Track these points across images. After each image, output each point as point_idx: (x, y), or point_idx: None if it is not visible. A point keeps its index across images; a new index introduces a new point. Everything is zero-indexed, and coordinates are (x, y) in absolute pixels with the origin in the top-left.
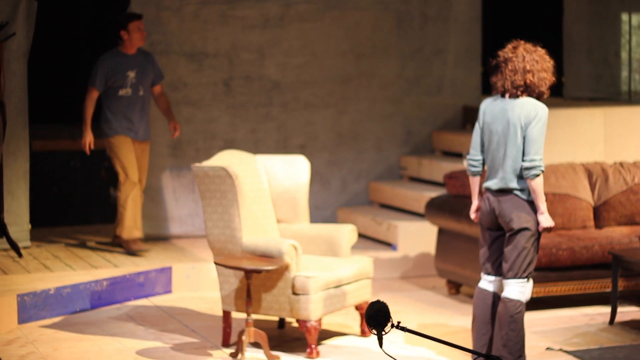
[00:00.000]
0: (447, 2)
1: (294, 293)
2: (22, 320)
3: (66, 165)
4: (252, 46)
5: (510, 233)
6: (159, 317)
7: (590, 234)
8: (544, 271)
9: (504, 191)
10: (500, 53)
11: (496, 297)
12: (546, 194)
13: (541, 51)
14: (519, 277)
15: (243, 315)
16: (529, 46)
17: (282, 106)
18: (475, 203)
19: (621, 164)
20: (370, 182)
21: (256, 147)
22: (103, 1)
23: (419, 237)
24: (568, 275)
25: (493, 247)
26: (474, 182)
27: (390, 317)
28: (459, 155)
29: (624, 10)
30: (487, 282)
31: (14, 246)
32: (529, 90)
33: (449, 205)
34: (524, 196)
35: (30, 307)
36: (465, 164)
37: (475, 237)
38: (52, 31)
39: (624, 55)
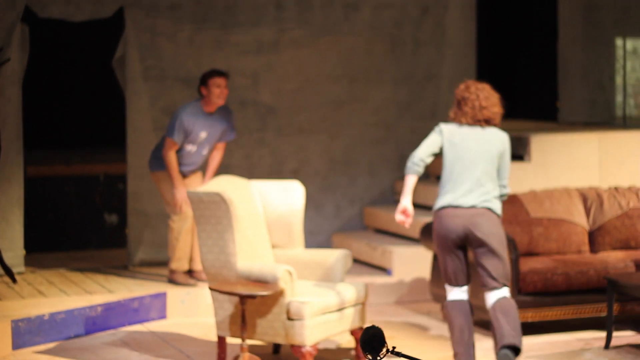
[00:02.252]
0: (440, 28)
1: (289, 318)
2: (16, 346)
3: (60, 191)
4: (246, 71)
5: (490, 246)
6: (153, 343)
7: (586, 258)
8: (539, 296)
9: (479, 208)
10: (457, 92)
11: (470, 304)
12: (541, 219)
13: (488, 87)
14: (507, 284)
15: (238, 341)
16: (479, 84)
17: (276, 131)
18: (405, 203)
19: (616, 189)
20: (364, 207)
21: (250, 172)
22: (97, 26)
23: (413, 262)
24: (563, 299)
25: (461, 259)
26: (411, 181)
27: (385, 342)
28: None
29: (619, 35)
30: (461, 292)
31: (9, 272)
32: (488, 123)
33: None
34: (498, 212)
35: (25, 333)
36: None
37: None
38: (46, 56)
39: (619, 80)
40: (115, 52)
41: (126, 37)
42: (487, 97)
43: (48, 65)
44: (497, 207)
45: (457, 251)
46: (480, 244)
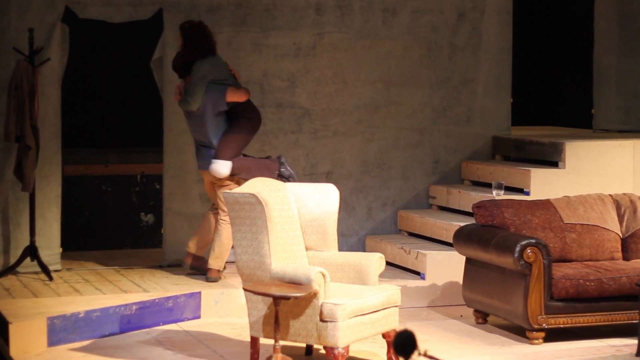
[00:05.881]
0: (477, 33)
1: (322, 320)
2: (51, 343)
3: (97, 190)
4: (283, 74)
5: None
6: (187, 342)
7: (618, 265)
8: (571, 302)
9: None
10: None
11: None
12: (574, 225)
13: None
14: None
15: (271, 341)
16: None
17: (311, 133)
18: None
19: None
20: (399, 211)
21: None
22: (136, 27)
23: (447, 266)
24: (595, 306)
25: None
26: None
27: (417, 345)
28: (488, 185)
29: None
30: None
31: (45, 269)
32: None
33: (477, 234)
34: None
35: (60, 330)
36: (494, 193)
37: (504, 267)
38: (86, 57)
39: None
40: (153, 53)
41: (164, 39)
42: None
43: (87, 66)
44: None
45: None
46: None
